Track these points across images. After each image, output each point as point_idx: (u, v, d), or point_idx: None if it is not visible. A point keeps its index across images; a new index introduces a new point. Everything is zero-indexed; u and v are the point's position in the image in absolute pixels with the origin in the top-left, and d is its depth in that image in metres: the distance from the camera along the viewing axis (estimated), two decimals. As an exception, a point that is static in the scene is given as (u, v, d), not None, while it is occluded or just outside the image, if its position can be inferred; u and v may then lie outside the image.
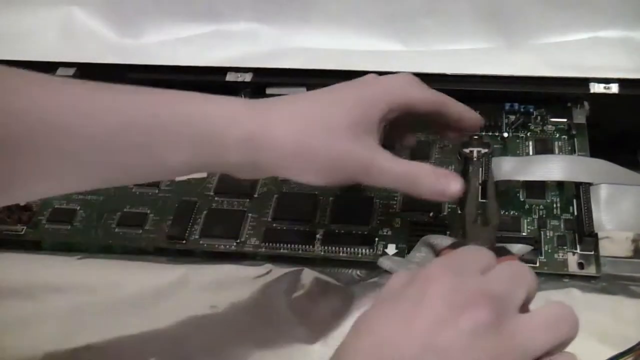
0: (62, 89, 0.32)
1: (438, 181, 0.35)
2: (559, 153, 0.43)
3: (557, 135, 0.45)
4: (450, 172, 0.36)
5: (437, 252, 0.38)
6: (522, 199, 0.41)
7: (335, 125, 0.34)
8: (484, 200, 0.38)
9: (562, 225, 0.39)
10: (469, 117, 0.39)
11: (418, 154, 0.44)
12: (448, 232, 0.40)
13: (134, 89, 0.33)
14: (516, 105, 0.46)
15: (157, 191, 0.45)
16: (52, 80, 0.32)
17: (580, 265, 0.38)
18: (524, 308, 0.28)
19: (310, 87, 0.48)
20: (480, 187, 0.38)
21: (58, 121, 0.30)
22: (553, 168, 0.40)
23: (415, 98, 0.37)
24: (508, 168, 0.41)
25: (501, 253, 0.32)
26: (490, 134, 0.45)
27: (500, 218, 0.37)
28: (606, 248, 0.38)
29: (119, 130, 0.32)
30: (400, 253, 0.39)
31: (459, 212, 0.38)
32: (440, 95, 0.38)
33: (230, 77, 0.49)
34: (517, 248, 0.37)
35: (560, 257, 0.38)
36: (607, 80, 0.44)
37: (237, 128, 0.33)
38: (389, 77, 0.37)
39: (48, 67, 0.50)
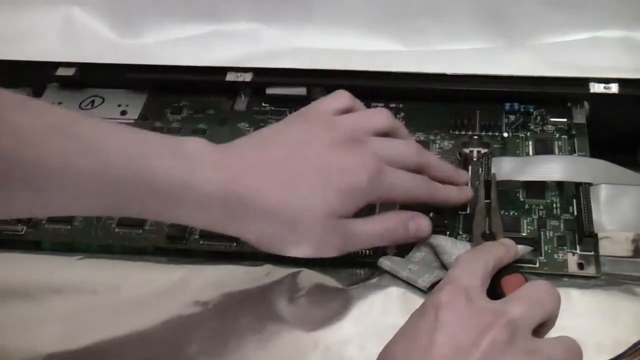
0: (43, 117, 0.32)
1: (407, 230, 0.37)
2: (559, 153, 0.43)
3: (557, 135, 0.45)
4: (415, 213, 0.37)
5: (436, 252, 0.38)
6: (522, 199, 0.41)
7: (304, 217, 0.34)
8: (488, 200, 0.38)
9: (562, 226, 0.39)
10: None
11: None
12: (448, 232, 0.40)
13: (103, 129, 0.33)
14: (516, 105, 0.46)
15: (157, 191, 0.44)
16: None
17: (580, 266, 0.38)
18: (539, 331, 0.29)
19: (310, 87, 0.48)
20: (484, 198, 0.38)
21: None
22: (553, 168, 0.40)
23: (397, 192, 0.37)
24: (508, 168, 0.41)
25: (508, 271, 0.33)
26: (490, 134, 0.45)
27: (503, 231, 0.37)
28: (606, 248, 0.38)
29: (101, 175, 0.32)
30: (400, 253, 0.39)
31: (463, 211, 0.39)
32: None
33: (230, 77, 0.49)
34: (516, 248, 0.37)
35: (560, 257, 0.38)
36: (607, 80, 0.45)
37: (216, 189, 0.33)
38: (369, 167, 0.35)
39: (48, 67, 0.50)
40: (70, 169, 0.31)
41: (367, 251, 0.39)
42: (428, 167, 0.38)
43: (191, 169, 0.33)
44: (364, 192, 0.35)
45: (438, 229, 0.39)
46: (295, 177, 0.34)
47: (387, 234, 0.37)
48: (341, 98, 0.38)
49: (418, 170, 0.37)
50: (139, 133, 0.34)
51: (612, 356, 0.32)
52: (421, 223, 0.37)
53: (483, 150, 0.44)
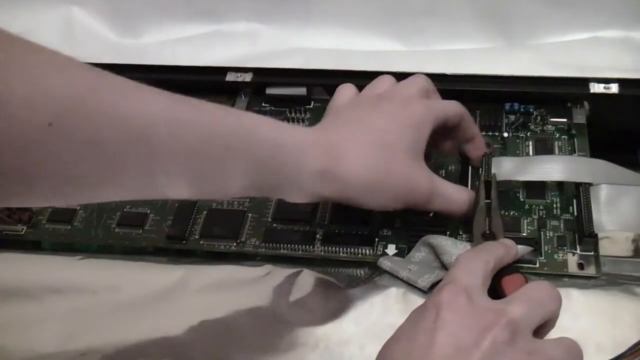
0: (151, 99, 0.31)
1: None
2: (559, 153, 0.43)
3: (557, 135, 0.44)
4: None
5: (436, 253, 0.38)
6: (522, 199, 0.41)
7: (395, 151, 0.36)
8: (488, 200, 0.38)
9: (562, 226, 0.39)
10: (479, 142, 0.41)
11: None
12: (448, 232, 0.40)
13: (207, 104, 0.33)
14: (516, 105, 0.46)
15: (157, 191, 0.44)
16: (139, 88, 0.31)
17: (580, 266, 0.38)
18: (540, 332, 0.29)
19: (310, 87, 0.48)
20: (484, 198, 0.38)
21: (148, 132, 0.30)
22: (553, 168, 0.40)
23: (450, 112, 0.39)
24: (508, 168, 0.41)
25: (508, 271, 0.33)
26: (490, 134, 0.45)
27: (503, 231, 0.37)
28: (606, 248, 0.38)
29: (197, 146, 0.31)
30: (400, 253, 0.39)
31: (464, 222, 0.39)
32: (462, 106, 0.40)
33: (230, 77, 0.49)
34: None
35: (560, 257, 0.38)
36: (607, 80, 0.44)
37: (312, 161, 0.34)
38: (420, 100, 0.38)
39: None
40: (169, 119, 0.30)
41: (367, 251, 0.39)
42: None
43: (283, 131, 0.34)
44: (425, 119, 0.37)
45: (438, 229, 0.39)
46: (369, 122, 0.37)
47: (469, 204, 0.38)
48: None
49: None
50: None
51: (613, 356, 0.32)
52: None
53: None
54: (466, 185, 0.42)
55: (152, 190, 0.32)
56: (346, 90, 0.40)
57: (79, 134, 0.28)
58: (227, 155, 0.32)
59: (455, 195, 0.38)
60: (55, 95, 0.27)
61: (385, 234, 0.40)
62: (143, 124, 0.29)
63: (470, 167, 0.43)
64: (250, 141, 0.33)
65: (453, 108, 0.39)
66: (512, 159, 0.42)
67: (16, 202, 0.32)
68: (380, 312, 0.36)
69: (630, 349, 0.32)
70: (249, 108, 0.49)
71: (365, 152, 0.35)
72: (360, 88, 0.40)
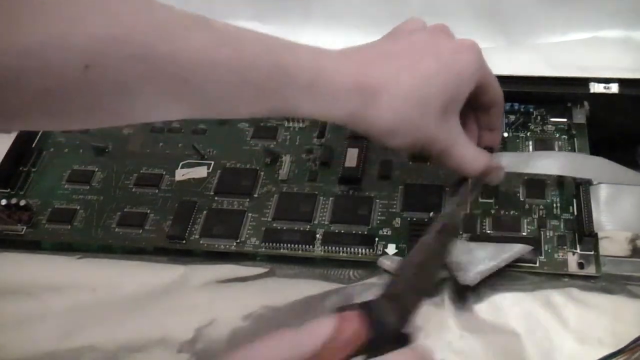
0: (194, 40, 0.30)
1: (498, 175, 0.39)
2: (559, 153, 0.43)
3: (557, 135, 0.44)
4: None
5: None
6: (522, 199, 0.41)
7: (431, 104, 0.35)
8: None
9: (562, 225, 0.39)
10: (497, 136, 0.41)
11: (417, 154, 0.44)
12: (448, 232, 0.40)
13: (249, 41, 0.32)
14: (516, 105, 0.46)
15: (157, 191, 0.45)
16: (186, 25, 0.30)
17: (580, 265, 0.38)
18: None
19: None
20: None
21: (185, 74, 0.29)
22: (552, 163, 0.40)
23: (495, 83, 0.38)
24: (507, 162, 0.41)
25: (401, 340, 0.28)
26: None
27: (467, 210, 0.38)
28: (606, 248, 0.38)
29: (233, 88, 0.31)
30: (400, 253, 0.39)
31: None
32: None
33: (230, 77, 0.49)
34: (517, 248, 0.37)
35: (560, 257, 0.38)
36: (607, 80, 0.45)
37: (344, 104, 0.34)
38: (474, 48, 0.36)
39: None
40: (208, 61, 0.30)
41: (367, 251, 0.39)
42: None
43: (322, 60, 0.34)
44: (474, 71, 0.36)
45: (438, 229, 0.39)
46: (416, 63, 0.35)
47: (485, 171, 0.38)
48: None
49: None
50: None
51: (605, 355, 0.32)
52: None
53: (483, 150, 0.44)
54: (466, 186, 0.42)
55: (177, 115, 0.32)
56: (417, 22, 0.39)
57: (116, 76, 0.27)
58: (259, 94, 0.32)
59: (468, 159, 0.37)
60: (92, 35, 0.26)
61: (385, 234, 0.40)
62: (181, 66, 0.29)
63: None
64: (288, 83, 0.32)
65: (498, 84, 0.38)
66: (512, 154, 0.42)
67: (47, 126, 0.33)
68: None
69: (631, 343, 0.32)
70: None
71: (398, 106, 0.34)
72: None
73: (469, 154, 0.37)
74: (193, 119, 0.38)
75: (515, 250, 0.37)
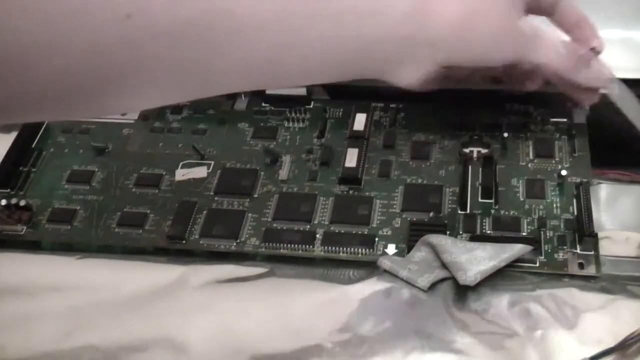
0: None
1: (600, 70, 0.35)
2: (559, 153, 0.43)
3: (557, 135, 0.44)
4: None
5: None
6: (522, 199, 0.41)
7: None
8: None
9: (562, 225, 0.39)
10: (588, 28, 0.37)
11: (417, 154, 0.44)
12: (448, 232, 0.40)
13: None
14: (516, 105, 0.46)
15: (157, 191, 0.45)
16: None
17: (580, 265, 0.38)
18: None
19: (310, 86, 0.48)
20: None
21: (231, 24, 0.28)
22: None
23: None
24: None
25: None
26: (490, 134, 0.45)
27: None
28: (606, 248, 0.38)
29: (272, 19, 0.29)
30: (400, 253, 0.39)
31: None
32: None
33: (230, 77, 0.49)
34: (517, 248, 0.37)
35: (560, 257, 0.38)
36: (607, 80, 0.44)
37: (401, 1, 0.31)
38: None
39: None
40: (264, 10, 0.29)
41: (367, 251, 0.39)
42: None
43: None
44: None
45: (438, 229, 0.39)
46: None
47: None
48: None
49: None
50: None
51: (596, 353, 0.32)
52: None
53: (483, 151, 0.44)
54: (466, 186, 0.42)
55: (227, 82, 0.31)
56: None
57: (159, 24, 0.26)
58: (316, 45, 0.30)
59: (561, 48, 0.34)
60: None
61: (385, 234, 0.40)
62: (227, 17, 0.28)
63: (470, 167, 0.43)
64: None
65: None
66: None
67: (106, 105, 0.30)
68: (380, 311, 0.36)
69: (624, 340, 0.32)
70: (248, 108, 0.49)
71: None
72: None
73: (560, 45, 0.34)
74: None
75: (515, 250, 0.37)
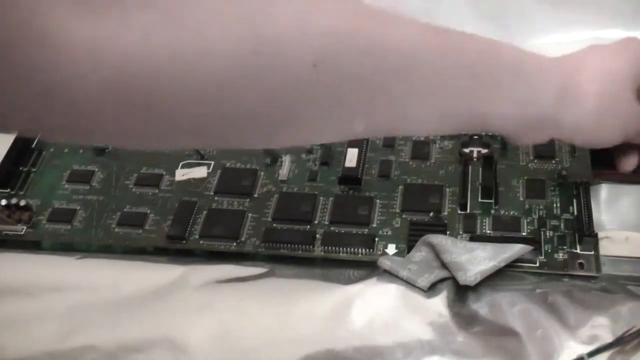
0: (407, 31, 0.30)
1: None
2: (559, 153, 0.43)
3: (557, 135, 0.44)
4: None
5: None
6: (522, 199, 0.41)
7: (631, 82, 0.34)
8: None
9: (562, 225, 0.39)
10: None
11: (417, 154, 0.44)
12: (448, 232, 0.40)
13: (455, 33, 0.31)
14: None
15: (157, 191, 0.45)
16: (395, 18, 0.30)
17: (580, 265, 0.38)
18: None
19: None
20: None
21: (405, 64, 0.29)
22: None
23: None
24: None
25: None
26: (490, 134, 0.45)
27: None
28: (606, 248, 0.38)
29: (452, 71, 0.31)
30: (400, 253, 0.39)
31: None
32: None
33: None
34: (517, 248, 0.37)
35: (560, 257, 0.38)
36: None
37: (552, 79, 0.33)
38: None
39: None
40: (424, 49, 0.30)
41: (367, 251, 0.39)
42: None
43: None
44: None
45: (438, 229, 0.39)
46: None
47: None
48: None
49: None
50: None
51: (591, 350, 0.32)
52: None
53: (483, 151, 0.44)
54: (466, 186, 0.42)
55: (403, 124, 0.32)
56: None
57: (343, 71, 0.27)
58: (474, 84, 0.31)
59: None
60: (321, 32, 0.26)
61: (385, 234, 0.40)
62: (402, 57, 0.29)
63: (470, 167, 0.43)
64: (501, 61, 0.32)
65: None
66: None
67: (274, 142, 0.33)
68: (380, 311, 0.36)
69: (620, 336, 0.32)
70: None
71: (600, 75, 0.33)
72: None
73: None
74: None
75: (515, 250, 0.37)
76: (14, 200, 0.43)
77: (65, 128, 0.26)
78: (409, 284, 0.37)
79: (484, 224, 0.40)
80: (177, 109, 0.26)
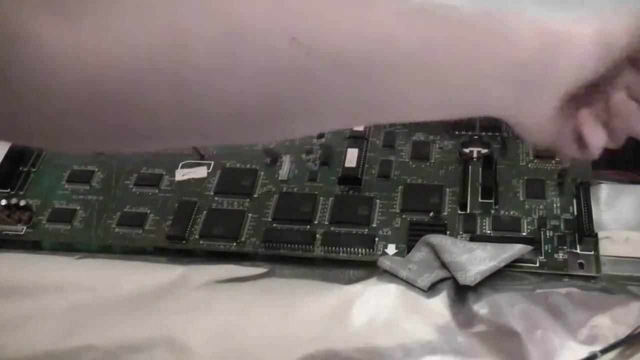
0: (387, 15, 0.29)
1: None
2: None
3: (557, 135, 0.44)
4: None
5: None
6: (522, 199, 0.41)
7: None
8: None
9: (562, 225, 0.39)
10: None
11: (417, 154, 0.44)
12: (448, 232, 0.40)
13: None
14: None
15: (157, 191, 0.45)
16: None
17: (580, 265, 0.38)
18: None
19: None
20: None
21: (386, 48, 0.28)
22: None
23: None
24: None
25: None
26: (490, 134, 0.45)
27: None
28: (606, 248, 0.38)
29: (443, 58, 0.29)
30: (400, 253, 0.39)
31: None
32: None
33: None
34: (517, 248, 0.37)
35: (560, 257, 0.38)
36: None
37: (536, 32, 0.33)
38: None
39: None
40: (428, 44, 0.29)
41: (367, 251, 0.39)
42: None
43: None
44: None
45: (438, 229, 0.39)
46: None
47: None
48: None
49: None
50: None
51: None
52: None
53: (483, 151, 0.44)
54: (466, 187, 0.42)
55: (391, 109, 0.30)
56: None
57: (321, 48, 0.26)
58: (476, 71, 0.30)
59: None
60: (298, 12, 0.26)
61: (385, 234, 0.40)
62: (382, 39, 0.28)
63: (470, 167, 0.43)
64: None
65: None
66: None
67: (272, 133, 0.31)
68: (380, 311, 0.36)
69: (623, 339, 0.32)
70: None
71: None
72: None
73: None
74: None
75: (515, 250, 0.37)
76: (14, 200, 0.43)
77: (40, 134, 0.25)
78: (409, 284, 0.37)
79: (484, 224, 0.40)
80: (160, 105, 0.25)
